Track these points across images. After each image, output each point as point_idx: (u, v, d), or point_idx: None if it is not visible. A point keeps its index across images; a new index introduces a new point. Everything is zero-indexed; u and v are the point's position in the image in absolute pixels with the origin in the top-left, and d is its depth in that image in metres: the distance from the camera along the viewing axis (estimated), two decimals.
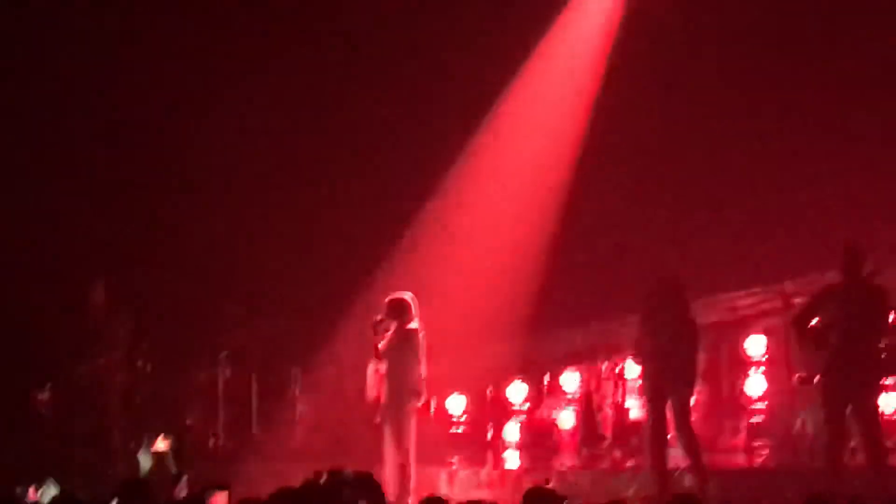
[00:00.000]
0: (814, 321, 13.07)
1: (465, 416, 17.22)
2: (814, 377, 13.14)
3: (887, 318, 13.11)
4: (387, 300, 14.27)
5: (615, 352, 16.03)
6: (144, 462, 13.66)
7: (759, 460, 15.37)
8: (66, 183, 18.02)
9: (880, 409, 14.72)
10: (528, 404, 17.28)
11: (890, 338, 14.31)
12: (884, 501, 11.96)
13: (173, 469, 11.53)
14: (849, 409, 12.88)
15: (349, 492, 8.42)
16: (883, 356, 14.13)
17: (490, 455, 16.74)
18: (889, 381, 14.70)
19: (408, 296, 14.26)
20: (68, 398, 14.59)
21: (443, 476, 15.23)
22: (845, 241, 13.37)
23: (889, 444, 14.81)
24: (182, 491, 9.88)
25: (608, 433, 16.16)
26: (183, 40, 18.07)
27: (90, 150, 18.10)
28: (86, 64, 17.92)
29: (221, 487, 8.74)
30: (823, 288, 13.46)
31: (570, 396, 16.99)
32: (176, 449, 12.25)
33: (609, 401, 16.28)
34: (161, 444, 12.79)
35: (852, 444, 13.52)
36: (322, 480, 8.47)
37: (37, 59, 17.69)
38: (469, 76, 17.70)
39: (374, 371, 14.30)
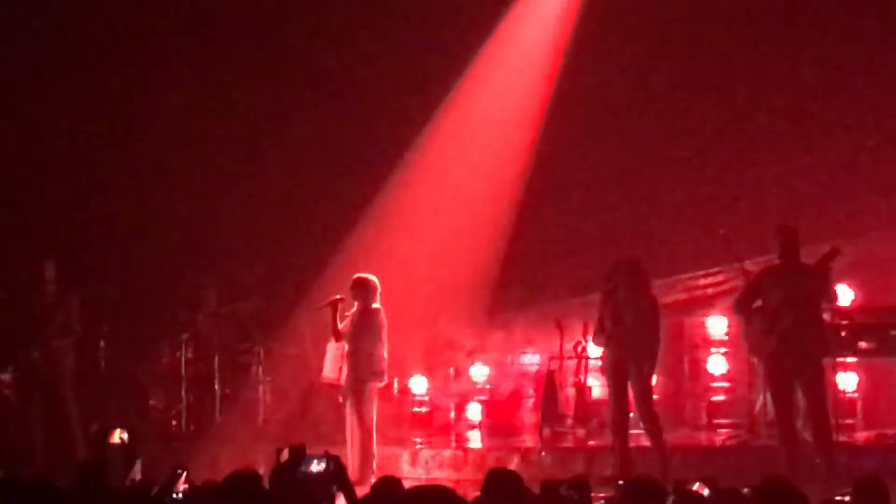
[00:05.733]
0: (757, 303, 13.16)
1: (427, 397, 17.25)
2: (763, 358, 13.27)
3: (830, 294, 13.20)
4: (353, 279, 14.27)
5: (578, 330, 16.03)
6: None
7: (720, 439, 15.46)
8: (29, 160, 17.93)
9: (840, 387, 14.89)
10: (489, 385, 17.35)
11: (848, 317, 14.49)
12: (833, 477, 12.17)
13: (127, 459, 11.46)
14: (798, 388, 13.00)
15: (312, 471, 8.42)
16: (843, 334, 14.31)
17: (453, 435, 16.78)
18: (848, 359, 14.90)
19: (373, 276, 14.27)
20: (25, 381, 14.48)
21: (405, 456, 15.25)
22: (777, 223, 13.49)
23: (850, 421, 15.05)
24: (136, 475, 9.85)
25: (570, 412, 16.21)
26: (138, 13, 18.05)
27: (50, 127, 18.01)
28: (38, 37, 17.80)
29: (178, 469, 8.73)
30: (760, 270, 13.56)
31: (531, 376, 17.07)
32: (132, 439, 12.19)
33: (571, 380, 16.32)
34: (117, 438, 12.71)
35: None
36: (284, 457, 8.46)
37: None
38: (430, 57, 17.71)
39: (334, 351, 14.31)
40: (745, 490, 8.07)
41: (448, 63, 17.94)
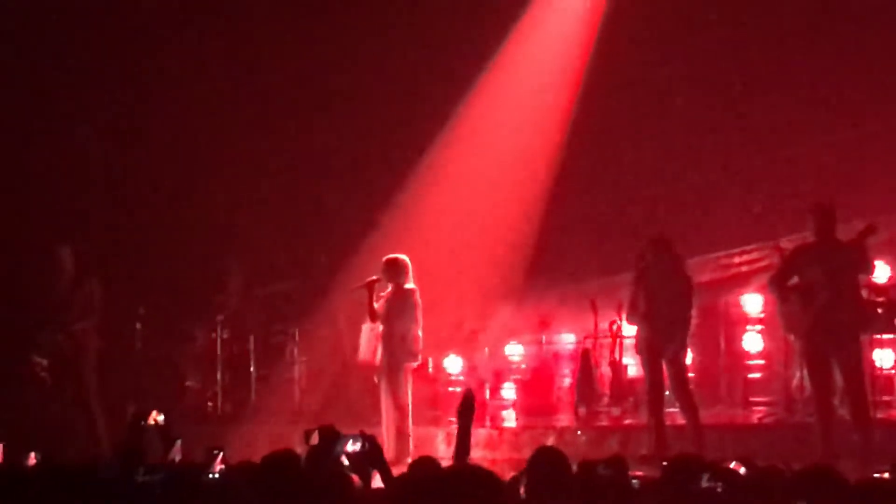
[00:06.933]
0: (793, 281, 13.10)
1: (462, 376, 17.24)
2: (799, 335, 13.21)
3: (867, 266, 13.10)
4: (384, 260, 14.28)
5: (613, 309, 15.99)
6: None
7: (756, 417, 15.41)
8: (60, 149, 17.97)
9: (877, 364, 14.82)
10: (524, 364, 17.33)
11: (884, 294, 14.41)
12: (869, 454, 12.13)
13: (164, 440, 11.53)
14: (835, 366, 12.94)
15: (348, 451, 8.42)
16: (879, 311, 14.24)
17: (488, 415, 16.77)
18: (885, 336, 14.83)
19: (403, 256, 14.27)
20: (54, 365, 14.52)
21: (441, 436, 15.25)
22: (813, 201, 13.43)
23: (887, 398, 14.98)
24: (176, 455, 9.89)
25: (606, 391, 16.20)
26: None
27: (80, 115, 18.03)
28: (65, 25, 17.80)
29: (215, 450, 8.75)
30: (796, 248, 13.50)
31: (566, 355, 17.05)
32: (168, 420, 12.26)
33: (607, 358, 16.31)
34: (153, 420, 12.77)
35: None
36: (313, 440, 8.45)
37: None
38: (463, 38, 17.67)
39: (369, 332, 14.31)
40: (783, 467, 8.02)
41: (480, 45, 17.89)
